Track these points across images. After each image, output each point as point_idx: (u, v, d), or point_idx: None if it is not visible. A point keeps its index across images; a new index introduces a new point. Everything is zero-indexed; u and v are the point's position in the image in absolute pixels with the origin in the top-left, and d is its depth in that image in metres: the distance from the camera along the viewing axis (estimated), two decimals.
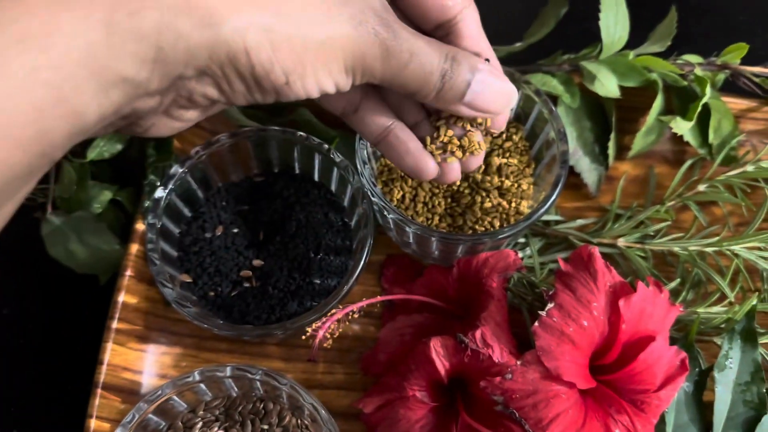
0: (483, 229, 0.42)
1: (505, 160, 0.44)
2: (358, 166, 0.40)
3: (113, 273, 0.43)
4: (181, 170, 0.40)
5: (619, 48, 0.45)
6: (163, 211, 0.39)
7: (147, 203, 0.41)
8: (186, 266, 0.40)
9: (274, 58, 0.27)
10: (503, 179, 0.43)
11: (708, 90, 0.45)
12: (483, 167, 0.43)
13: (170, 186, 0.39)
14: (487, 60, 0.33)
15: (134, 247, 0.41)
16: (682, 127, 0.45)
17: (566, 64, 0.46)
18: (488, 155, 0.44)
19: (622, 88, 0.45)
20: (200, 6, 0.25)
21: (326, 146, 0.41)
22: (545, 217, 0.46)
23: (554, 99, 0.45)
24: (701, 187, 0.45)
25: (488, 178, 0.43)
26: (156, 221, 0.38)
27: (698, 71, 0.46)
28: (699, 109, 0.44)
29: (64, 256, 0.43)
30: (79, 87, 0.23)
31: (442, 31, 0.33)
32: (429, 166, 0.34)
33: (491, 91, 0.32)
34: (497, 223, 0.42)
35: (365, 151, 0.41)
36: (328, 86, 0.30)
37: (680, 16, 0.48)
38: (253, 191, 0.43)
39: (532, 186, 0.44)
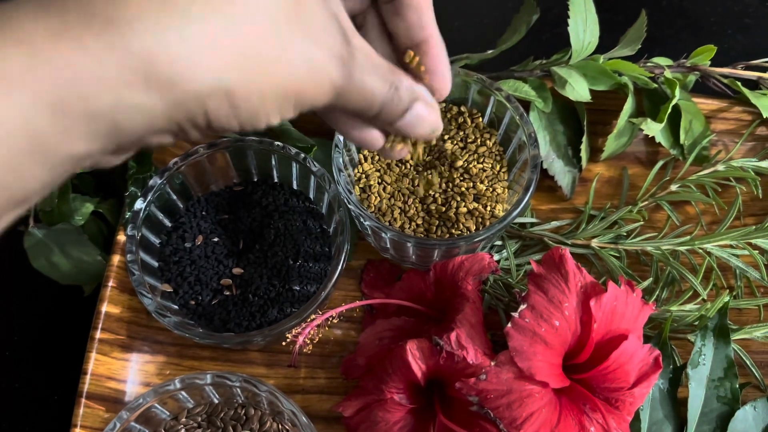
0: (459, 233, 0.43)
1: (480, 165, 0.45)
2: (335, 174, 0.41)
3: (97, 284, 0.43)
4: (160, 181, 0.40)
5: (589, 53, 0.46)
6: (143, 222, 0.40)
7: (128, 214, 0.41)
8: (167, 276, 0.40)
9: (232, 115, 0.26)
10: (478, 183, 0.44)
11: (678, 92, 0.45)
12: (459, 172, 0.44)
13: (149, 197, 0.40)
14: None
15: (116, 258, 0.42)
16: (653, 128, 0.46)
17: (538, 70, 0.47)
18: (463, 160, 0.44)
19: (593, 92, 0.46)
20: (160, 76, 0.23)
21: (303, 155, 0.42)
22: (521, 220, 0.46)
23: (527, 104, 0.46)
24: (674, 187, 0.46)
25: (463, 183, 0.44)
26: (135, 232, 0.39)
27: (668, 73, 0.46)
28: (669, 110, 0.45)
29: (48, 268, 0.43)
30: (21, 172, 0.22)
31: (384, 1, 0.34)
32: (376, 139, 0.35)
33: (421, 123, 0.34)
34: (473, 227, 0.43)
35: (341, 159, 0.41)
36: (276, 122, 0.29)
37: (651, 18, 0.49)
38: (233, 200, 0.44)
39: (506, 190, 0.45)
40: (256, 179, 0.44)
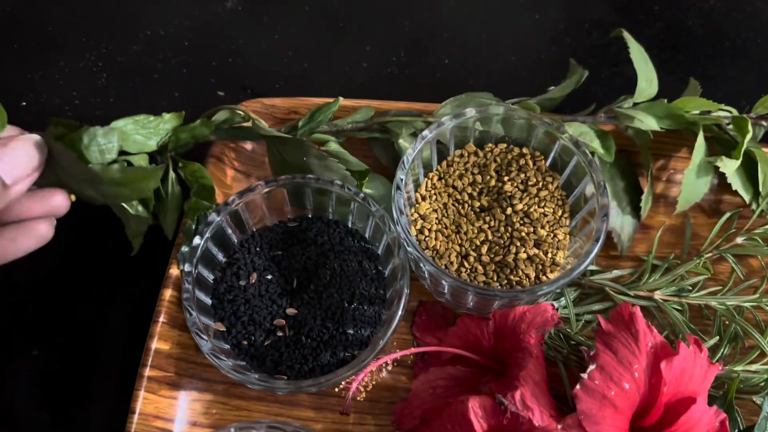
0: (518, 279, 0.42)
1: (541, 210, 0.43)
2: (395, 215, 0.40)
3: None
4: (218, 219, 0.40)
5: (653, 95, 0.45)
6: (200, 258, 0.39)
7: (184, 248, 0.40)
8: (220, 314, 0.40)
9: None
10: (539, 228, 0.43)
11: (750, 128, 0.44)
12: (519, 216, 0.43)
13: (207, 234, 0.39)
14: None
15: (167, 293, 0.41)
16: (729, 166, 0.44)
17: (602, 114, 0.46)
18: (523, 203, 0.43)
19: (655, 134, 0.45)
20: None
21: (362, 195, 0.40)
22: None
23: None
24: (739, 240, 0.44)
25: (523, 227, 0.43)
26: (192, 269, 0.38)
27: (736, 113, 0.45)
28: (744, 147, 0.43)
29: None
30: None
31: None
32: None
33: (17, 159, 0.34)
34: (533, 274, 0.42)
35: (402, 200, 0.40)
36: None
37: (713, 60, 0.48)
38: (287, 237, 0.43)
39: (568, 236, 0.43)
40: (310, 215, 0.43)
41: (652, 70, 0.46)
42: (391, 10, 0.57)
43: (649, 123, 0.44)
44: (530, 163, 0.44)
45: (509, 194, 0.44)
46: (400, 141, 0.43)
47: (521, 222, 0.43)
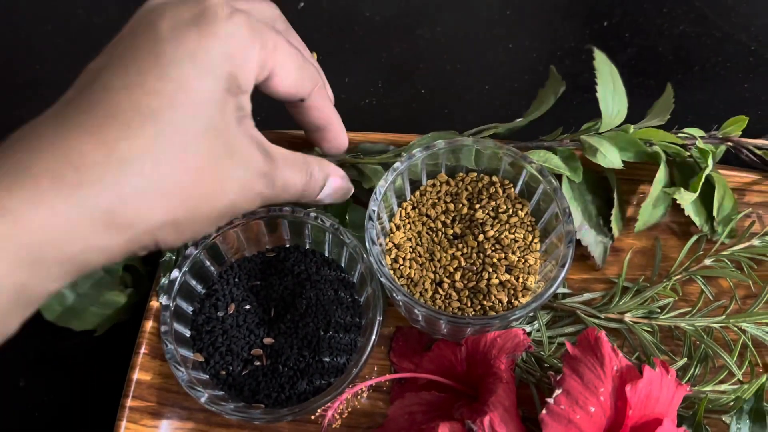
0: (491, 304, 0.43)
1: (512, 236, 0.44)
2: (367, 245, 0.41)
3: (112, 324, 0.44)
4: (196, 252, 0.41)
5: (619, 122, 0.46)
6: (178, 291, 0.40)
7: (163, 281, 0.42)
8: (198, 345, 0.41)
9: (179, 240, 0.31)
10: (510, 254, 0.44)
11: (710, 161, 0.45)
12: (490, 242, 0.44)
13: (185, 268, 0.40)
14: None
15: (149, 324, 0.42)
16: (686, 198, 0.45)
17: (568, 140, 0.47)
18: (494, 230, 0.44)
19: (624, 162, 0.46)
20: (120, 221, 0.28)
21: (336, 226, 0.42)
22: None
23: (557, 175, 0.46)
24: (707, 261, 0.45)
25: (495, 253, 0.44)
26: (170, 303, 0.39)
27: (700, 143, 0.46)
28: (702, 180, 0.45)
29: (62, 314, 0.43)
30: (8, 318, 0.27)
31: (294, 108, 0.41)
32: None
33: (335, 192, 0.41)
34: (505, 299, 0.43)
35: (374, 231, 0.41)
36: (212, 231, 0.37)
37: (683, 84, 0.49)
38: (265, 267, 0.44)
39: (538, 261, 0.44)
40: (288, 245, 0.45)
41: (621, 95, 0.46)
42: (369, 44, 0.59)
43: (612, 159, 0.45)
44: (500, 191, 0.46)
45: (481, 221, 0.45)
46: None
47: (493, 248, 0.44)
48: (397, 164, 0.44)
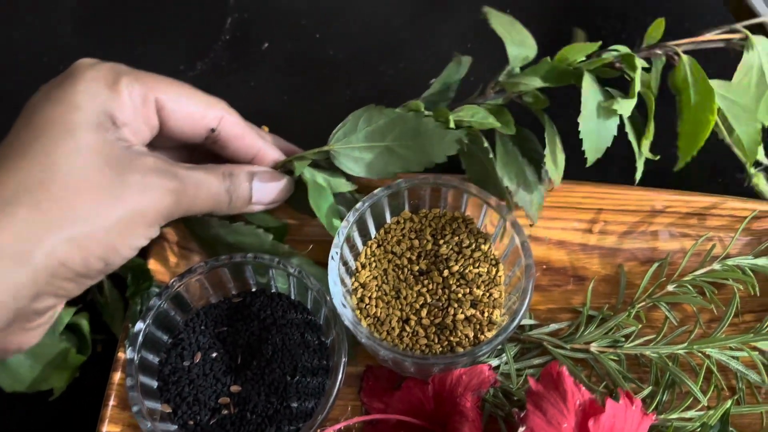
0: (458, 340, 0.43)
1: (476, 270, 0.45)
2: (330, 287, 0.41)
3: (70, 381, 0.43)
4: (159, 302, 0.41)
5: (530, 60, 0.45)
6: (143, 344, 0.40)
7: (131, 333, 0.42)
8: (166, 396, 0.41)
9: (88, 256, 0.34)
10: (474, 289, 0.44)
11: (638, 62, 0.42)
12: (455, 277, 0.45)
13: (149, 319, 0.40)
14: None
15: (117, 376, 0.42)
16: (626, 107, 0.42)
17: (490, 91, 0.46)
18: (459, 265, 0.45)
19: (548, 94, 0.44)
20: (6, 251, 0.31)
21: (299, 270, 0.42)
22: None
23: (491, 133, 0.45)
24: (670, 288, 0.46)
25: (460, 289, 0.44)
26: (134, 356, 0.39)
27: (622, 49, 0.43)
28: (638, 85, 0.42)
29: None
30: None
31: (210, 141, 0.43)
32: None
33: (270, 188, 0.43)
34: (471, 334, 0.43)
35: (337, 272, 0.42)
36: (142, 244, 0.37)
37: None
38: (232, 312, 0.44)
39: (503, 294, 0.45)
40: (254, 290, 0.45)
41: (523, 33, 0.45)
42: (333, 81, 0.59)
43: (532, 83, 0.43)
44: (462, 226, 0.46)
45: (445, 257, 0.45)
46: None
47: (457, 284, 0.44)
48: (359, 204, 0.44)
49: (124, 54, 0.60)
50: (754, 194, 0.53)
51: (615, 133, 0.42)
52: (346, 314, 0.40)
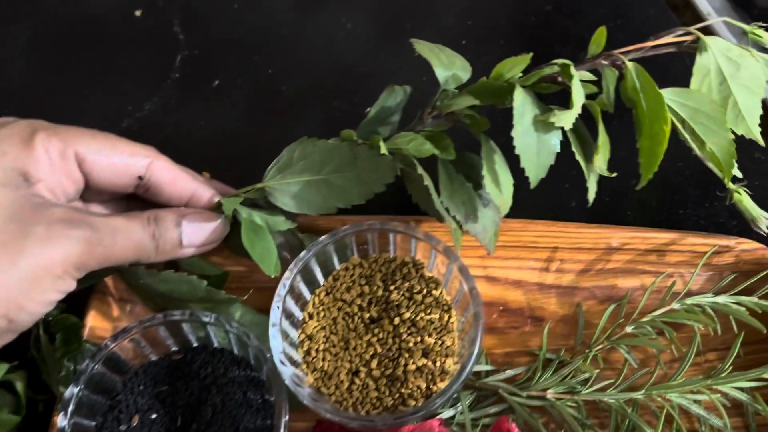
0: (409, 391, 0.41)
1: (428, 317, 0.43)
2: (271, 343, 0.40)
3: None
4: (92, 365, 0.39)
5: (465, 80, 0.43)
6: (75, 409, 0.38)
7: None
8: None
9: (4, 308, 0.33)
10: (426, 337, 0.42)
11: (573, 72, 0.39)
12: (406, 325, 0.43)
13: (81, 384, 0.39)
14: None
15: None
16: (565, 119, 0.38)
17: (428, 117, 0.44)
18: (410, 312, 0.43)
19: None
20: None
21: (238, 326, 0.40)
22: (476, 368, 0.45)
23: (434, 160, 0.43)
24: (629, 329, 0.44)
25: (411, 338, 0.43)
26: (65, 423, 0.38)
27: (560, 60, 0.40)
28: (580, 95, 0.39)
29: None
30: None
31: (142, 189, 0.42)
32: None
33: (202, 230, 0.41)
34: (423, 385, 0.42)
35: (278, 327, 0.40)
36: (54, 298, 0.36)
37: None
38: (172, 370, 0.42)
39: (456, 341, 0.43)
40: (195, 345, 0.43)
41: (454, 57, 0.44)
42: (285, 118, 0.58)
43: (465, 102, 0.41)
44: (413, 271, 0.45)
45: (396, 303, 0.44)
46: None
47: (408, 332, 0.43)
48: (303, 253, 0.42)
49: (71, 97, 0.59)
50: (715, 225, 0.52)
51: (558, 149, 0.40)
52: (286, 372, 0.39)
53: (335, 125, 0.58)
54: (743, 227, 0.52)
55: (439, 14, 0.64)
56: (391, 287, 0.44)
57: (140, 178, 0.42)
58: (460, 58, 0.44)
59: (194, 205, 0.43)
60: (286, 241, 0.45)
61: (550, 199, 0.52)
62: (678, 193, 0.52)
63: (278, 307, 0.40)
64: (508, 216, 0.47)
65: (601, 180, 0.46)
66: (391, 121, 0.46)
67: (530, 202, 0.51)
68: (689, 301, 0.44)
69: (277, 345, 0.39)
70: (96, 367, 0.39)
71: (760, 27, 0.43)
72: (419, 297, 0.44)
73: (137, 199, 0.44)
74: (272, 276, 0.41)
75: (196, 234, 0.41)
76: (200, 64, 0.60)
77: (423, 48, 0.42)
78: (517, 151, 0.38)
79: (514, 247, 0.48)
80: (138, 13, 0.63)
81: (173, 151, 0.54)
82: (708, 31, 0.42)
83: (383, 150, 0.41)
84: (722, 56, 0.41)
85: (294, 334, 0.43)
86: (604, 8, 0.63)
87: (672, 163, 0.53)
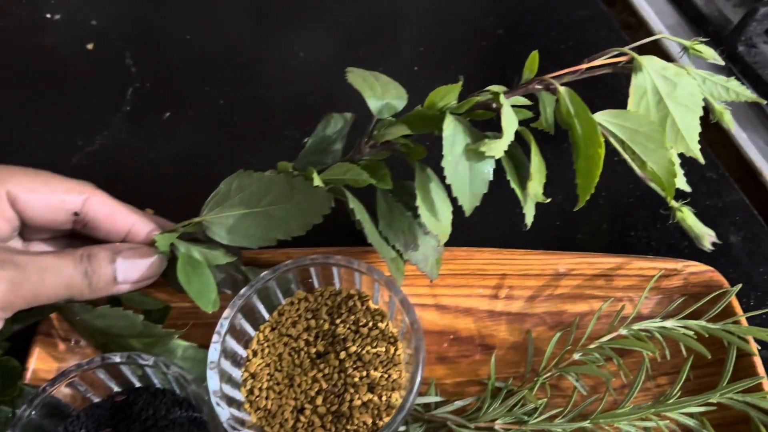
0: (355, 428, 0.41)
1: (374, 350, 0.43)
2: (209, 385, 0.39)
3: None
4: (28, 410, 0.38)
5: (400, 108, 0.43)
6: None
7: None
8: None
9: None
10: (371, 371, 0.42)
11: (503, 99, 0.39)
12: (352, 359, 0.42)
13: (17, 430, 0.38)
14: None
15: None
16: (496, 148, 0.37)
17: (365, 147, 0.44)
18: (356, 345, 0.43)
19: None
20: None
21: (177, 369, 0.40)
22: (424, 400, 0.44)
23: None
24: (576, 356, 0.44)
25: (356, 372, 0.42)
26: None
27: (494, 87, 0.40)
28: (507, 122, 0.38)
29: None
30: None
31: (80, 225, 0.42)
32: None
33: (137, 266, 0.41)
34: (369, 420, 0.41)
35: (216, 370, 0.39)
36: None
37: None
38: (115, 412, 0.41)
39: (403, 373, 0.43)
40: (138, 386, 0.42)
41: (389, 85, 0.43)
42: (236, 148, 0.58)
43: (398, 131, 0.41)
44: (358, 303, 0.44)
45: (342, 337, 0.43)
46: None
47: (354, 366, 0.42)
48: (243, 290, 0.42)
49: (22, 132, 0.58)
50: (667, 246, 0.52)
51: (491, 178, 0.39)
52: (223, 415, 0.38)
53: (288, 155, 0.58)
54: (695, 248, 0.52)
55: (392, 42, 0.64)
56: (338, 320, 0.44)
57: (76, 214, 0.41)
58: (396, 86, 0.44)
59: (132, 239, 0.43)
60: (229, 277, 0.44)
61: (501, 224, 0.52)
62: (629, 216, 0.52)
63: (216, 347, 0.40)
64: (457, 243, 0.48)
65: (553, 204, 0.46)
66: (333, 149, 0.46)
67: (482, 229, 0.51)
68: (636, 326, 0.44)
69: (214, 386, 0.39)
70: (33, 413, 0.39)
71: (701, 42, 0.43)
72: (365, 330, 0.43)
73: (81, 237, 0.43)
74: (209, 312, 0.40)
75: (130, 270, 0.41)
76: (151, 96, 0.60)
77: (355, 78, 0.42)
78: (447, 181, 0.38)
79: (463, 275, 0.48)
80: (90, 46, 0.63)
81: (122, 186, 0.54)
82: (657, 49, 0.42)
83: (317, 181, 0.41)
84: (658, 75, 0.41)
85: (237, 373, 0.42)
86: (555, 30, 0.63)
87: (622, 184, 0.54)
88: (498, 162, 0.40)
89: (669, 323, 0.44)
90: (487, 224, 0.52)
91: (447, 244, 0.47)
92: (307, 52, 0.62)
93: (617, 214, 0.52)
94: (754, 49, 0.65)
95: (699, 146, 0.42)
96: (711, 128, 0.63)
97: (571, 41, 0.62)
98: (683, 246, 0.52)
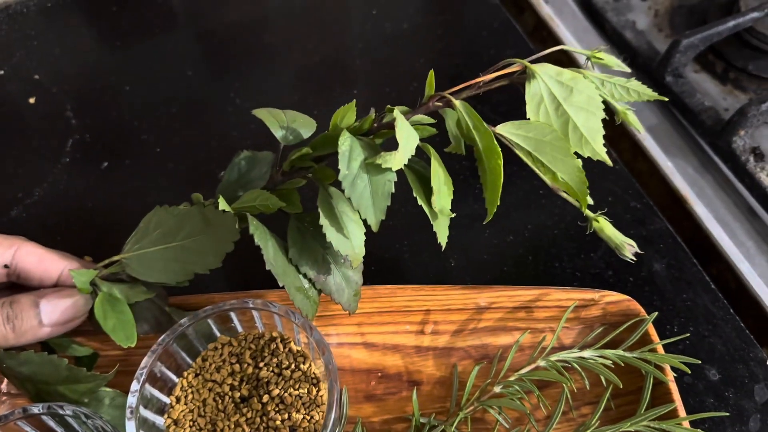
0: None
1: (296, 392, 0.43)
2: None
3: None
4: None
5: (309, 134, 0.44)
6: None
7: None
8: None
9: None
10: (293, 413, 0.43)
11: (397, 114, 0.39)
12: (274, 402, 0.43)
13: None
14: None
15: None
16: (392, 162, 0.38)
17: (278, 175, 0.44)
18: (279, 388, 0.43)
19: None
20: None
21: (100, 418, 0.40)
22: None
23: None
24: (497, 389, 0.45)
25: (278, 415, 0.43)
26: None
27: (398, 108, 0.40)
28: (403, 138, 0.38)
29: None
30: None
31: (13, 277, 0.43)
32: None
33: (61, 308, 0.42)
34: None
35: (134, 418, 0.39)
36: None
37: None
38: None
39: (326, 414, 0.43)
40: None
41: (295, 117, 0.44)
42: (171, 194, 0.58)
43: (302, 153, 0.42)
44: (281, 346, 0.45)
45: (266, 380, 0.44)
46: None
47: (276, 409, 0.43)
48: (161, 338, 0.43)
49: None
50: (591, 276, 0.53)
51: (393, 190, 0.39)
52: None
53: None
54: (619, 277, 0.53)
55: (325, 85, 0.65)
56: (261, 364, 0.44)
57: (6, 266, 0.43)
58: (305, 118, 0.45)
59: (63, 284, 0.44)
60: (153, 319, 0.45)
61: (430, 260, 0.53)
62: (553, 247, 0.54)
63: (135, 395, 0.40)
64: (386, 281, 0.49)
65: (480, 237, 0.47)
66: (255, 185, 0.47)
67: (411, 266, 0.52)
68: (554, 357, 0.45)
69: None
70: None
71: (601, 50, 0.44)
72: (288, 372, 0.44)
73: (22, 288, 0.44)
74: (125, 347, 0.41)
75: (54, 312, 0.42)
76: (90, 147, 0.61)
77: (260, 112, 0.44)
78: (346, 194, 0.38)
79: (389, 312, 0.49)
80: (32, 100, 0.64)
81: (60, 236, 0.55)
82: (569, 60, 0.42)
83: (222, 206, 0.41)
84: (553, 81, 0.40)
85: (160, 420, 0.43)
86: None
87: (548, 216, 0.55)
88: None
89: (586, 353, 0.45)
90: (418, 261, 0.53)
91: (375, 282, 0.48)
92: (242, 98, 0.63)
93: (542, 246, 0.54)
94: (681, 78, 0.67)
95: (605, 149, 0.41)
96: (639, 158, 0.65)
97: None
98: (608, 275, 0.53)
